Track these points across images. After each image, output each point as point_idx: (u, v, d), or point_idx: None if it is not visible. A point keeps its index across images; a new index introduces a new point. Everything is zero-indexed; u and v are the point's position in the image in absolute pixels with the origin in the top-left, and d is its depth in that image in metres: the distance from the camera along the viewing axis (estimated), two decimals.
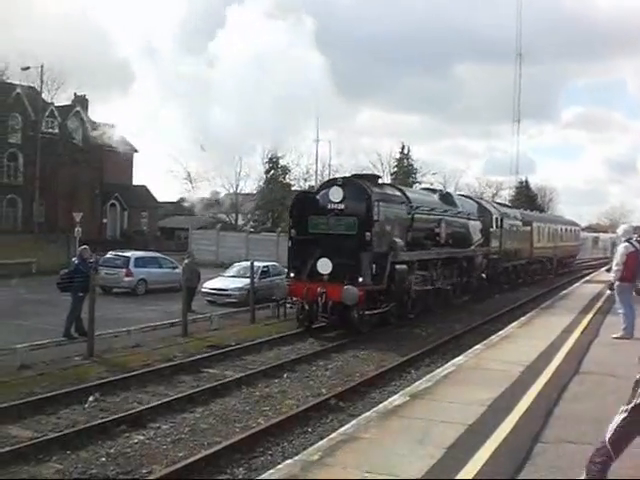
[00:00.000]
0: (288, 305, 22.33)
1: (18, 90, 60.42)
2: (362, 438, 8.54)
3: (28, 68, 54.53)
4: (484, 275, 31.01)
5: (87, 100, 72.61)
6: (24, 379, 14.74)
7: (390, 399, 10.85)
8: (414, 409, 10.00)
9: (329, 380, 15.55)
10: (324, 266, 21.66)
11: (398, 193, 24.06)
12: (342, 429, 9.11)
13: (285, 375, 16.00)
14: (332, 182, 22.90)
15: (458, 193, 33.16)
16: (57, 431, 11.36)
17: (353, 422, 9.45)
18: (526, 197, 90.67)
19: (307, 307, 21.73)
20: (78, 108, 70.25)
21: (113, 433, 11.23)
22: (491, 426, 8.90)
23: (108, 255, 34.34)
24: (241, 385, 14.67)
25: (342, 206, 21.91)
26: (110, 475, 9.54)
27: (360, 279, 21.03)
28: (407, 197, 24.34)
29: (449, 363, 13.78)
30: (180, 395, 13.62)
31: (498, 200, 69.96)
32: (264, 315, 24.78)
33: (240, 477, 9.53)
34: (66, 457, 10.19)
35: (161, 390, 14.28)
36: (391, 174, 77.75)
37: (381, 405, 10.45)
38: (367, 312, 21.05)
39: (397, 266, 22.04)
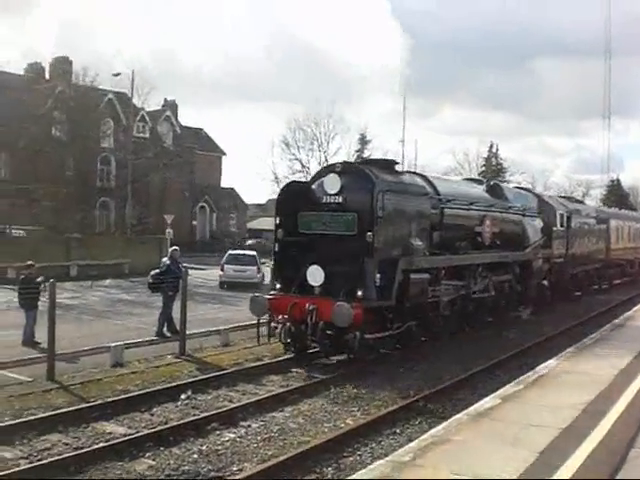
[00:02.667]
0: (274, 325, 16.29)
1: (110, 96, 59.01)
2: (453, 440, 8.19)
3: (119, 74, 51.71)
4: (545, 282, 23.72)
5: (176, 105, 72.87)
6: (118, 377, 14.42)
7: (481, 401, 10.60)
8: (505, 412, 9.70)
9: (416, 382, 14.47)
10: (315, 276, 15.84)
11: (420, 182, 17.74)
12: (433, 431, 8.82)
13: (372, 377, 14.87)
14: (329, 168, 16.48)
15: (514, 185, 25.84)
16: (150, 427, 11.06)
17: (444, 424, 9.13)
18: (618, 196, 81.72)
19: (293, 328, 15.79)
20: (168, 112, 70.37)
21: (205, 430, 10.88)
22: (583, 431, 8.60)
23: (229, 253, 36.18)
24: (329, 385, 13.92)
25: (340, 199, 16.06)
26: (202, 472, 9.16)
27: (359, 293, 15.08)
28: (434, 188, 17.88)
29: (540, 366, 13.53)
30: (270, 394, 13.24)
31: (588, 200, 61.80)
32: None
33: (329, 477, 9.10)
34: (159, 453, 9.86)
35: (251, 389, 13.91)
36: (479, 174, 70.27)
37: (472, 407, 10.13)
38: (370, 335, 15.16)
39: (413, 275, 16.00)
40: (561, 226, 25.88)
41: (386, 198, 15.38)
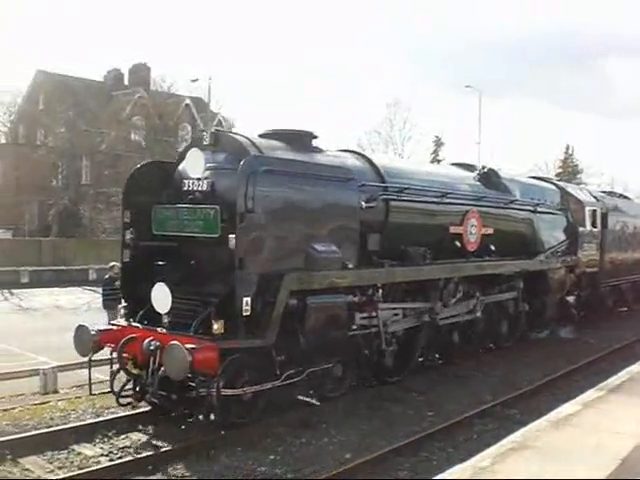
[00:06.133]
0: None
1: (187, 101, 55.11)
2: (532, 446, 7.57)
3: (196, 80, 46.92)
4: (570, 299, 16.52)
5: None
6: None
7: (560, 407, 9.50)
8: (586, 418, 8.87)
9: (493, 386, 12.55)
10: (159, 299, 9.76)
11: (349, 164, 10.85)
12: (512, 436, 8.13)
13: (449, 380, 12.82)
14: (194, 142, 10.01)
15: (531, 176, 18.27)
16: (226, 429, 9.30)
17: (523, 429, 8.41)
18: None
19: (127, 375, 9.96)
20: None
21: (282, 432, 9.51)
22: None
23: None
24: (405, 390, 11.92)
25: (204, 185, 9.95)
26: (279, 473, 8.29)
27: (215, 326, 9.01)
28: (377, 172, 11.00)
29: (623, 371, 12.10)
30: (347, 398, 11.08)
31: None
32: None
33: None
34: (235, 454, 8.79)
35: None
36: (555, 175, 61.78)
37: (552, 413, 9.16)
38: (230, 391, 9.11)
39: (311, 299, 9.72)
40: (593, 226, 18.40)
41: (262, 184, 9.26)
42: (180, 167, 10.28)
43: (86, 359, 9.97)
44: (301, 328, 9.63)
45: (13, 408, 10.73)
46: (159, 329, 9.49)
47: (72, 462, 8.57)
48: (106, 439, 9.31)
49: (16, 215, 47.84)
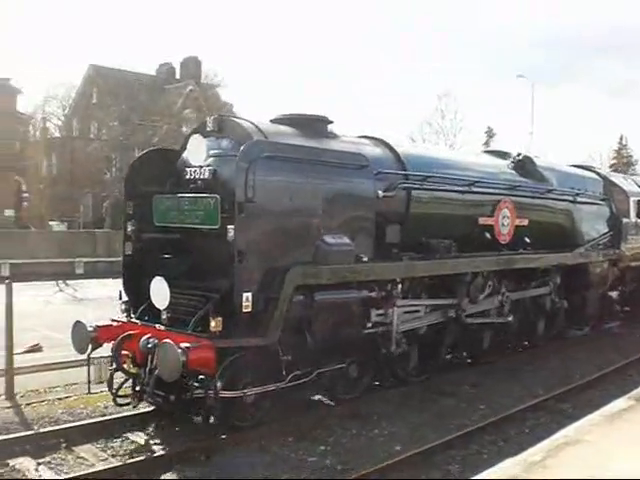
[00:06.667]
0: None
1: None
2: (585, 441, 7.35)
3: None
4: (613, 294, 15.34)
5: None
6: None
7: (613, 402, 9.26)
8: None
9: (546, 380, 12.14)
10: (158, 294, 9.10)
11: (369, 150, 10.23)
12: (564, 431, 7.93)
13: (500, 373, 12.40)
14: (198, 127, 9.23)
15: (572, 164, 16.93)
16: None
17: (576, 424, 8.26)
18: None
19: (124, 374, 9.30)
20: None
21: (331, 424, 9.39)
22: None
23: None
24: (457, 383, 11.63)
25: (206, 173, 9.14)
26: (328, 464, 8.14)
27: (213, 323, 8.22)
28: (398, 159, 10.12)
29: None
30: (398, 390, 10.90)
31: None
32: None
33: (455, 474, 8.03)
34: (286, 444, 8.65)
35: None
36: (609, 166, 59.53)
37: (605, 408, 8.95)
38: (228, 393, 8.38)
39: (319, 295, 8.91)
40: (638, 217, 17.03)
41: (263, 171, 8.48)
42: (184, 155, 9.57)
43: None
44: (308, 326, 8.86)
45: (68, 397, 10.54)
46: (157, 326, 8.85)
47: (125, 450, 8.45)
48: (159, 428, 9.12)
49: (71, 208, 48.24)
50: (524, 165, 13.51)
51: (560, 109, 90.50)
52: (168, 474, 7.80)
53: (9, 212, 44.81)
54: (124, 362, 9.01)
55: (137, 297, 9.45)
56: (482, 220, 11.98)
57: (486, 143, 62.32)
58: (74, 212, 48.73)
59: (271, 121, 10.09)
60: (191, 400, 8.52)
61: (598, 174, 16.69)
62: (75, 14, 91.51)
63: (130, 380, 9.17)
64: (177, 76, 58.35)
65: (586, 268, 14.66)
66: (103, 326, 9.25)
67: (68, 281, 28.60)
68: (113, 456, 8.28)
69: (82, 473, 7.64)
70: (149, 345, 8.59)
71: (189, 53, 58.36)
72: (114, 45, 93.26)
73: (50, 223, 45.18)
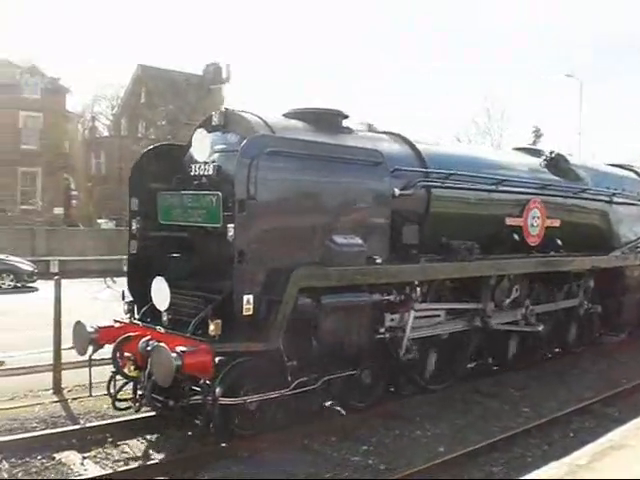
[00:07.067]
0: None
1: None
2: (632, 445, 7.17)
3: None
4: None
5: None
6: None
7: None
8: None
9: (592, 383, 11.94)
10: (159, 295, 8.64)
11: (386, 146, 9.59)
12: (610, 435, 7.81)
13: (546, 376, 12.10)
14: (204, 122, 8.72)
15: (609, 163, 15.92)
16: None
17: (622, 428, 8.14)
18: None
19: (123, 377, 8.88)
20: None
21: (374, 424, 9.24)
22: None
23: None
24: (501, 385, 11.46)
25: (210, 170, 8.69)
26: (371, 464, 8.01)
27: (212, 326, 7.73)
28: (418, 156, 9.50)
29: None
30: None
31: None
32: None
33: (500, 476, 7.91)
34: (329, 443, 8.56)
35: None
36: None
37: None
38: (227, 400, 7.86)
39: (326, 298, 8.30)
40: None
41: (266, 167, 7.99)
42: (190, 150, 9.09)
43: None
44: (314, 331, 8.31)
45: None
46: (158, 328, 8.40)
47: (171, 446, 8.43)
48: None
49: (119, 206, 48.36)
50: (557, 163, 12.72)
51: (610, 105, 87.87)
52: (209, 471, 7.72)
53: (58, 210, 45.16)
54: (125, 365, 8.61)
55: (142, 297, 9.02)
56: (510, 221, 11.27)
57: (533, 143, 60.86)
58: (122, 210, 48.87)
59: (283, 115, 9.58)
60: (192, 406, 8.08)
61: (637, 173, 15.74)
62: (124, 14, 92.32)
63: (131, 384, 8.79)
64: (224, 75, 58.33)
65: (623, 272, 13.79)
66: (104, 327, 8.84)
67: (115, 278, 28.69)
68: (158, 452, 8.25)
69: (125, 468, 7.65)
70: (148, 348, 8.15)
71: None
72: (162, 45, 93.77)
73: (98, 221, 45.44)
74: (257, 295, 7.86)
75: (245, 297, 7.78)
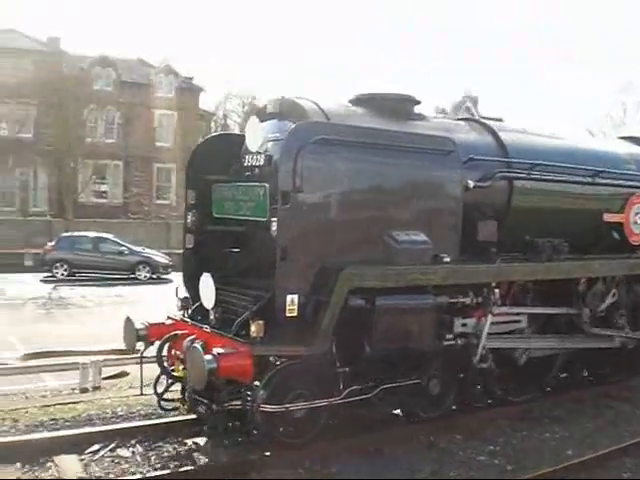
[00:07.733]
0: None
1: None
2: None
3: None
4: None
5: (477, 97, 61.56)
6: None
7: None
8: None
9: None
10: (205, 292, 7.97)
11: (462, 133, 8.57)
12: None
13: None
14: (260, 110, 8.17)
15: None
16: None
17: None
18: None
19: (168, 377, 8.40)
20: (468, 104, 59.85)
21: (502, 424, 8.99)
22: None
23: None
24: (634, 389, 10.92)
25: (261, 160, 7.98)
26: (497, 464, 7.80)
27: (253, 327, 7.05)
28: (499, 143, 8.58)
29: None
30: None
31: None
32: None
33: None
34: (453, 441, 8.33)
35: None
36: None
37: None
38: (270, 407, 7.14)
39: (380, 300, 7.31)
40: None
41: (313, 156, 7.23)
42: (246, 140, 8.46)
43: None
44: (367, 335, 7.46)
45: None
46: (205, 327, 7.82)
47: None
48: None
49: None
50: None
51: None
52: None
53: None
54: (173, 364, 8.11)
55: (197, 294, 8.48)
56: (608, 217, 9.93)
57: None
58: None
59: (349, 102, 8.76)
60: (234, 411, 7.45)
61: None
62: (256, 13, 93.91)
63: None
64: None
65: None
66: (155, 324, 8.36)
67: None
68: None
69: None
70: (191, 346, 7.60)
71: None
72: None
73: None
74: (303, 295, 7.13)
75: (289, 297, 7.06)
